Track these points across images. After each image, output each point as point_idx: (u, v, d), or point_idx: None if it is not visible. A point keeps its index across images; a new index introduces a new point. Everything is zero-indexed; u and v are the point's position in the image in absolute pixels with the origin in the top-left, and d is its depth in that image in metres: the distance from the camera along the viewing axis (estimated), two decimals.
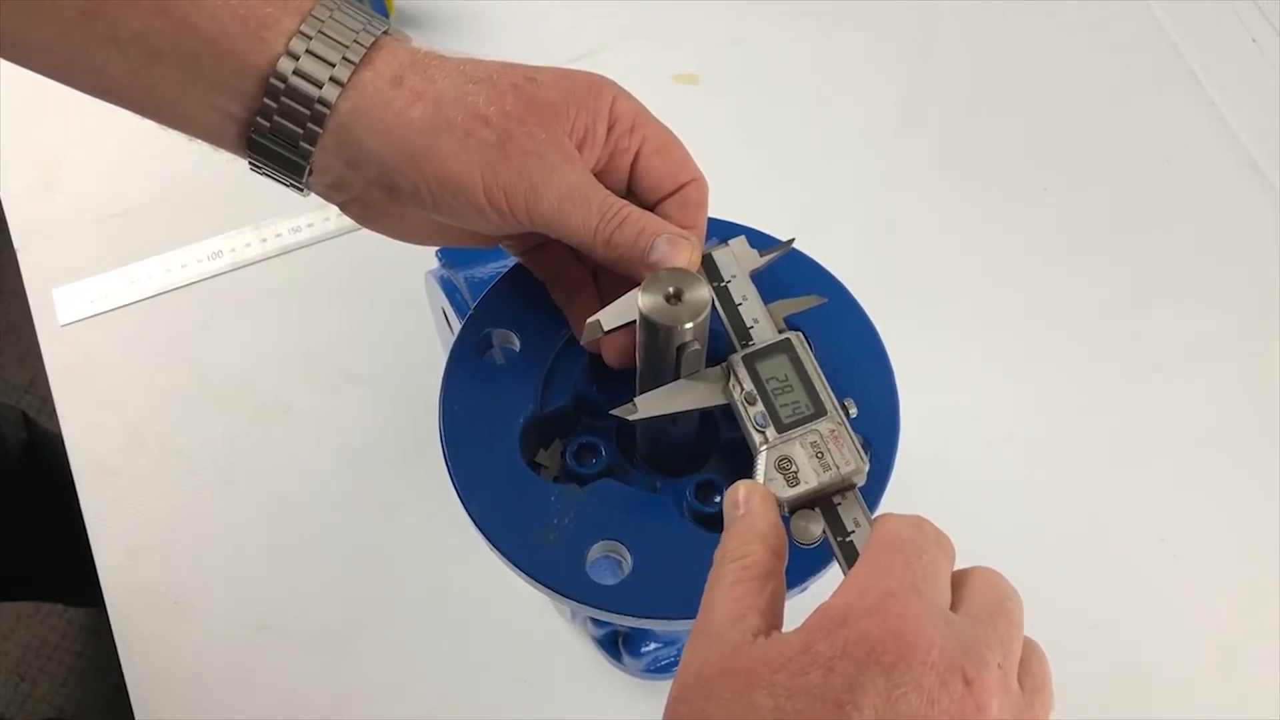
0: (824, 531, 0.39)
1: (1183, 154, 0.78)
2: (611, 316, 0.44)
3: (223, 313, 0.73)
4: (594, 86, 0.46)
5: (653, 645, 0.61)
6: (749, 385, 0.42)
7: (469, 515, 0.46)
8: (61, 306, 0.72)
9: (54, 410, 0.70)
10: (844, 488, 0.40)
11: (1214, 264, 0.74)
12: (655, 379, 0.44)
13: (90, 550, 0.66)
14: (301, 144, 0.44)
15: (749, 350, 0.43)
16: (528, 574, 0.44)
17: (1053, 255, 0.75)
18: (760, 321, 0.44)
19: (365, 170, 0.44)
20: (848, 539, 0.39)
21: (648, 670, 0.62)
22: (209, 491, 0.68)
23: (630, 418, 0.43)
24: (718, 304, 0.44)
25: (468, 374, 0.48)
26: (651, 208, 0.47)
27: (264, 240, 0.74)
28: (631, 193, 0.47)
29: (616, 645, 0.62)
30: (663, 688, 0.63)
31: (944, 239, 0.75)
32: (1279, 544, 0.67)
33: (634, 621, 0.44)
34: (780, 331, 0.44)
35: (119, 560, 0.66)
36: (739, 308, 0.44)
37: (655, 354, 0.43)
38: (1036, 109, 0.80)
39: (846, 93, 0.79)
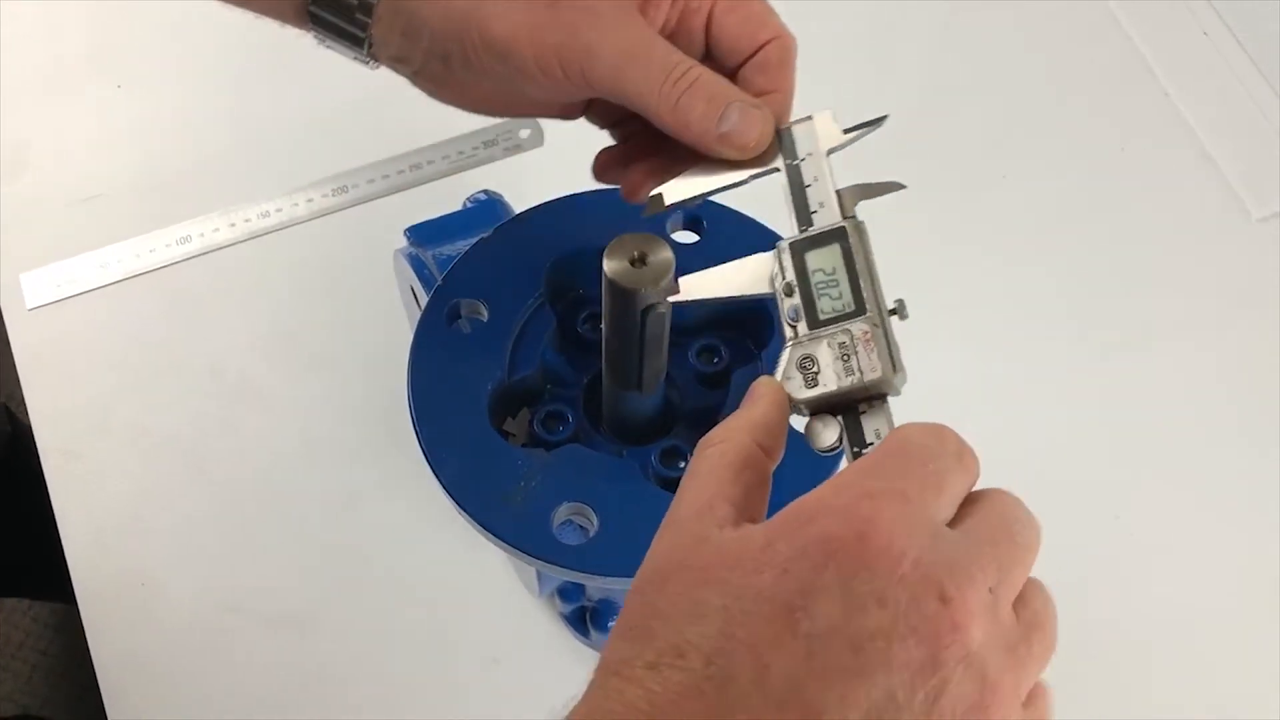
0: (840, 439, 0.36)
1: (1138, 143, 0.79)
2: (676, 191, 0.41)
3: (191, 297, 0.73)
4: None
5: None
6: (790, 275, 0.38)
7: (438, 480, 0.46)
8: (29, 291, 0.72)
9: (23, 398, 0.70)
10: (870, 396, 0.36)
11: (1168, 250, 0.76)
12: (621, 342, 0.45)
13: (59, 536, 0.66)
14: (357, 15, 0.43)
15: (800, 237, 0.39)
16: (496, 536, 0.45)
17: (1011, 241, 0.76)
18: (825, 206, 0.39)
19: (419, 39, 0.42)
20: (864, 450, 0.36)
21: None
22: (177, 474, 0.68)
23: (673, 299, 0.41)
24: (785, 182, 0.40)
25: (436, 343, 0.49)
26: (733, 74, 0.42)
27: (233, 225, 0.74)
28: (711, 58, 0.43)
29: (584, 621, 0.63)
30: None
31: (901, 227, 0.76)
32: (1235, 518, 0.68)
33: (599, 581, 0.45)
34: (846, 218, 0.39)
35: (86, 543, 0.66)
36: (806, 189, 0.40)
37: (620, 317, 0.43)
38: (995, 99, 0.81)
39: (802, 83, 0.81)
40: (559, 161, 0.77)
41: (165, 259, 0.73)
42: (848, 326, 0.37)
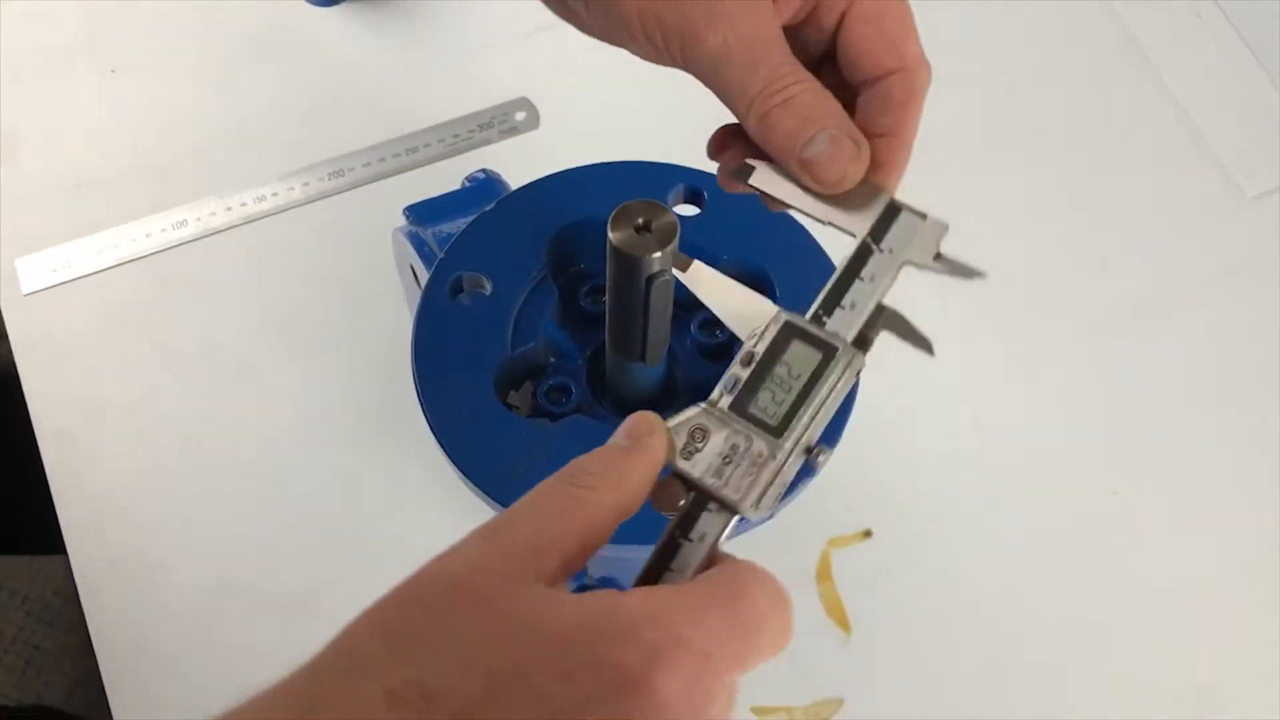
0: (676, 509, 0.34)
1: (1129, 123, 0.80)
2: (766, 179, 0.38)
3: (188, 282, 0.73)
4: None
5: None
6: (762, 348, 0.35)
7: (444, 452, 0.46)
8: (24, 276, 0.72)
9: (20, 383, 0.70)
10: (723, 506, 0.34)
11: (1161, 229, 0.76)
12: (625, 312, 0.45)
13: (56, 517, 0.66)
14: None
15: (802, 322, 0.36)
16: (504, 506, 0.45)
17: (1001, 222, 0.76)
18: (854, 311, 0.36)
19: None
20: (679, 540, 0.34)
21: None
22: (175, 459, 0.68)
23: (678, 273, 0.39)
24: (847, 255, 0.36)
25: (439, 317, 0.49)
26: (854, 92, 0.38)
27: (229, 209, 0.74)
28: (834, 62, 0.39)
29: None
30: None
31: None
32: (1232, 494, 0.68)
33: (603, 550, 0.45)
34: (854, 342, 0.36)
35: (85, 527, 0.66)
36: (856, 280, 0.36)
37: (625, 285, 0.43)
38: (985, 80, 0.81)
39: None
40: (556, 144, 0.78)
41: (161, 243, 0.73)
42: (754, 437, 0.34)
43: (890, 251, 0.36)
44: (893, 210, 0.37)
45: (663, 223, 0.42)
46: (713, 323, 0.51)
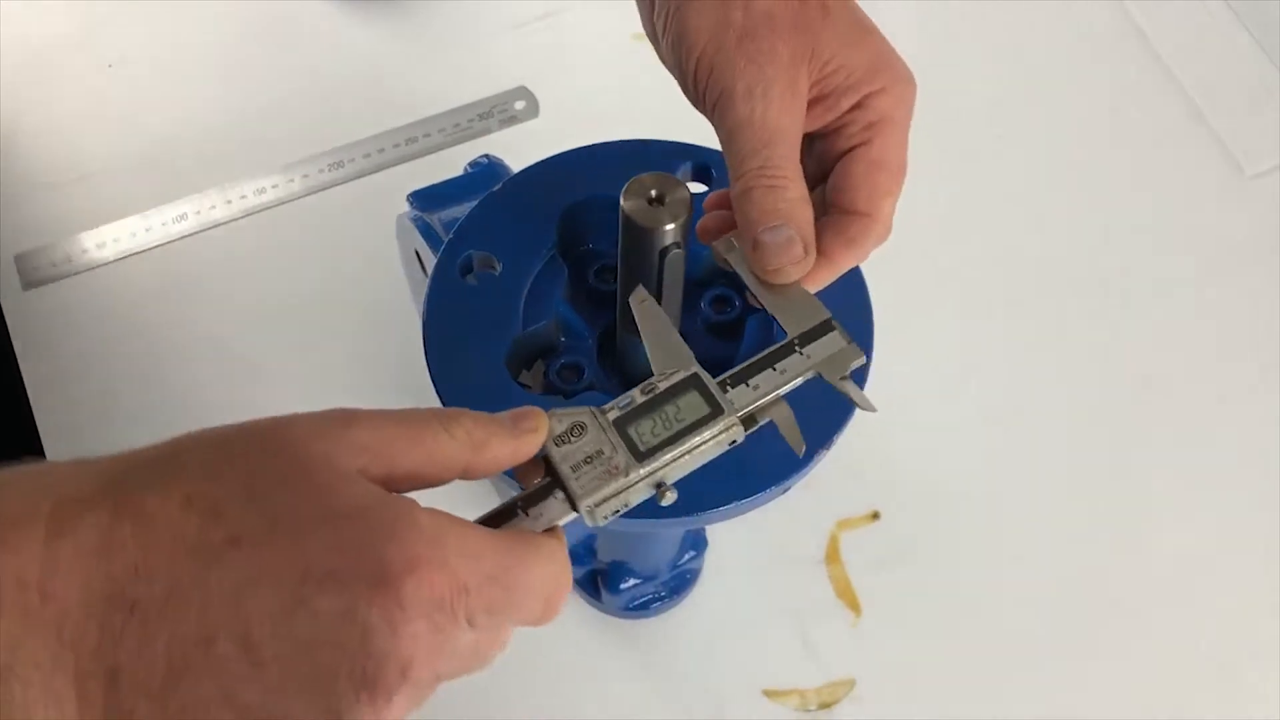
0: (532, 485, 0.37)
1: (1128, 103, 0.80)
2: (735, 258, 0.43)
3: (190, 276, 0.73)
4: (886, 65, 0.42)
5: (632, 581, 0.61)
6: (664, 385, 0.38)
7: None
8: (24, 271, 0.72)
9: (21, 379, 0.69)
10: (566, 495, 0.37)
11: (1161, 209, 0.76)
12: (637, 285, 0.45)
13: None
14: None
15: (707, 380, 0.39)
16: (519, 487, 0.45)
17: (1002, 203, 0.77)
18: (755, 390, 0.39)
19: None
20: (520, 511, 0.36)
21: (626, 608, 0.63)
22: None
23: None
24: (770, 349, 0.40)
25: (450, 297, 0.49)
26: (824, 211, 0.43)
27: (229, 202, 0.74)
28: (824, 183, 0.43)
29: (595, 583, 0.62)
30: (642, 626, 0.64)
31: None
32: (1232, 472, 0.69)
33: (619, 526, 0.45)
34: (744, 416, 0.39)
35: None
36: (769, 370, 0.39)
37: (637, 258, 0.43)
38: (983, 62, 0.82)
39: None
40: (555, 132, 0.77)
41: (162, 237, 0.73)
42: (619, 451, 0.37)
43: (808, 357, 0.40)
44: (826, 327, 0.41)
45: (676, 196, 0.42)
46: (724, 299, 0.51)
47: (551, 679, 0.62)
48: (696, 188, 0.52)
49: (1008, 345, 0.72)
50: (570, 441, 0.37)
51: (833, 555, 0.66)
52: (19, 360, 0.70)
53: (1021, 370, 0.71)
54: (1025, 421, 0.70)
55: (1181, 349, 0.72)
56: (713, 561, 0.65)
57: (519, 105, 0.78)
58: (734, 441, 0.39)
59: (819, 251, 0.42)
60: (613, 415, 0.38)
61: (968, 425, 0.70)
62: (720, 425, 0.38)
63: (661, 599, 0.63)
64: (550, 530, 0.36)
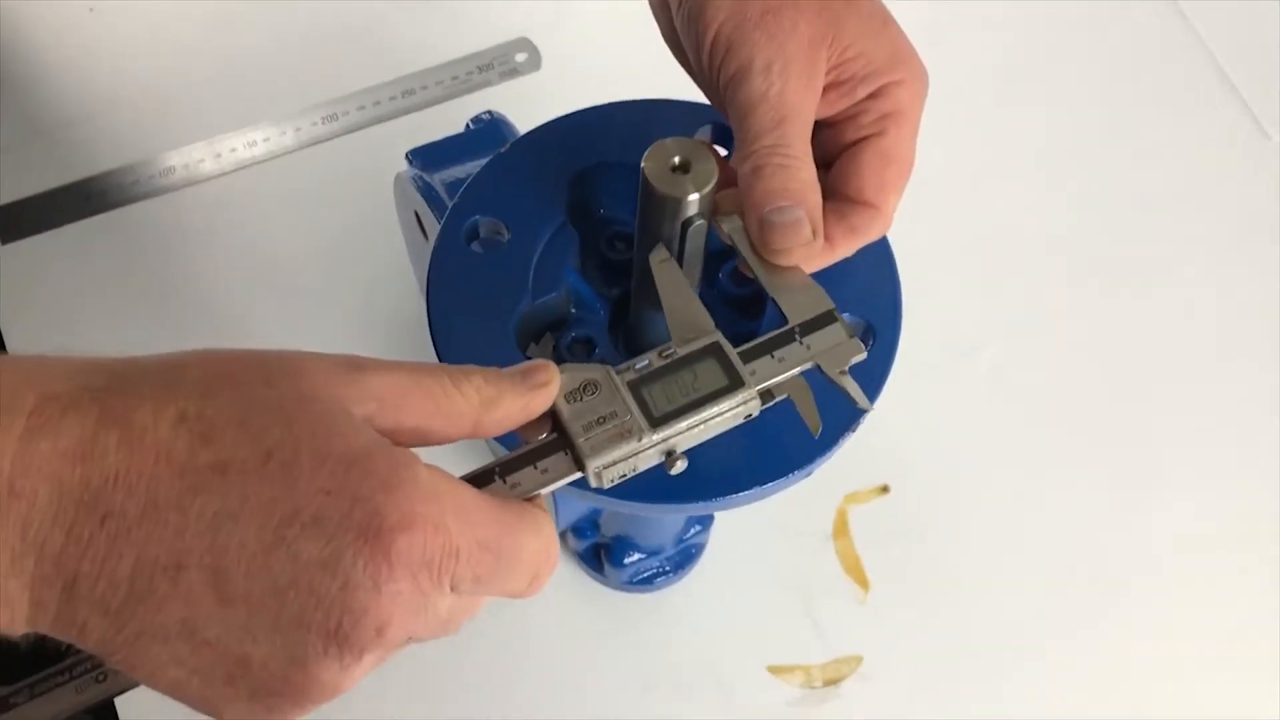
0: (537, 440, 0.36)
1: (1153, 66, 0.78)
2: (736, 234, 0.41)
3: (178, 231, 0.70)
4: (904, 57, 0.41)
5: (635, 556, 0.60)
6: (683, 351, 0.37)
7: None
8: (5, 224, 0.69)
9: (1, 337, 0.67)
10: (573, 455, 0.35)
11: (1185, 174, 0.74)
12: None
13: None
14: None
15: (727, 349, 0.37)
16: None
17: (1022, 165, 0.75)
18: (780, 363, 0.38)
19: None
20: (524, 465, 0.35)
21: (629, 582, 0.61)
22: None
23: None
24: (769, 334, 0.38)
25: (455, 266, 0.46)
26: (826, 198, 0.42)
27: (218, 155, 0.71)
28: (829, 168, 0.42)
29: (598, 557, 0.61)
30: (645, 601, 0.63)
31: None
32: (1252, 450, 0.67)
33: (627, 507, 0.43)
34: (761, 394, 0.38)
35: None
36: (763, 356, 0.38)
37: (657, 228, 0.41)
38: (1004, 22, 0.79)
39: None
40: (558, 85, 0.75)
41: (148, 190, 0.70)
42: (632, 413, 0.36)
43: (808, 348, 0.39)
44: (829, 318, 0.39)
45: (702, 165, 0.39)
46: (742, 272, 0.49)
47: (552, 653, 0.61)
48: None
49: (1023, 317, 0.70)
50: (581, 400, 0.36)
51: (841, 530, 0.65)
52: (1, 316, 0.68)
53: (1036, 342, 0.70)
54: (1039, 395, 0.68)
55: (1205, 321, 0.70)
56: (718, 536, 0.63)
57: (520, 57, 0.75)
58: (749, 415, 0.37)
59: (826, 233, 0.41)
60: (628, 376, 0.36)
61: (981, 398, 0.68)
62: (739, 398, 0.37)
63: (665, 574, 0.61)
64: (533, 500, 0.35)
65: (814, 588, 0.63)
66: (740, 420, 0.37)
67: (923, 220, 0.72)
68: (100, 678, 0.33)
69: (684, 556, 0.62)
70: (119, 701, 0.58)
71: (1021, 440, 0.67)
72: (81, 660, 0.33)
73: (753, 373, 0.37)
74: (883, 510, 0.65)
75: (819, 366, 0.38)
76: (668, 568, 0.61)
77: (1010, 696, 0.61)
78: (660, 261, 0.41)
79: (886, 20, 0.42)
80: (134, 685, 0.32)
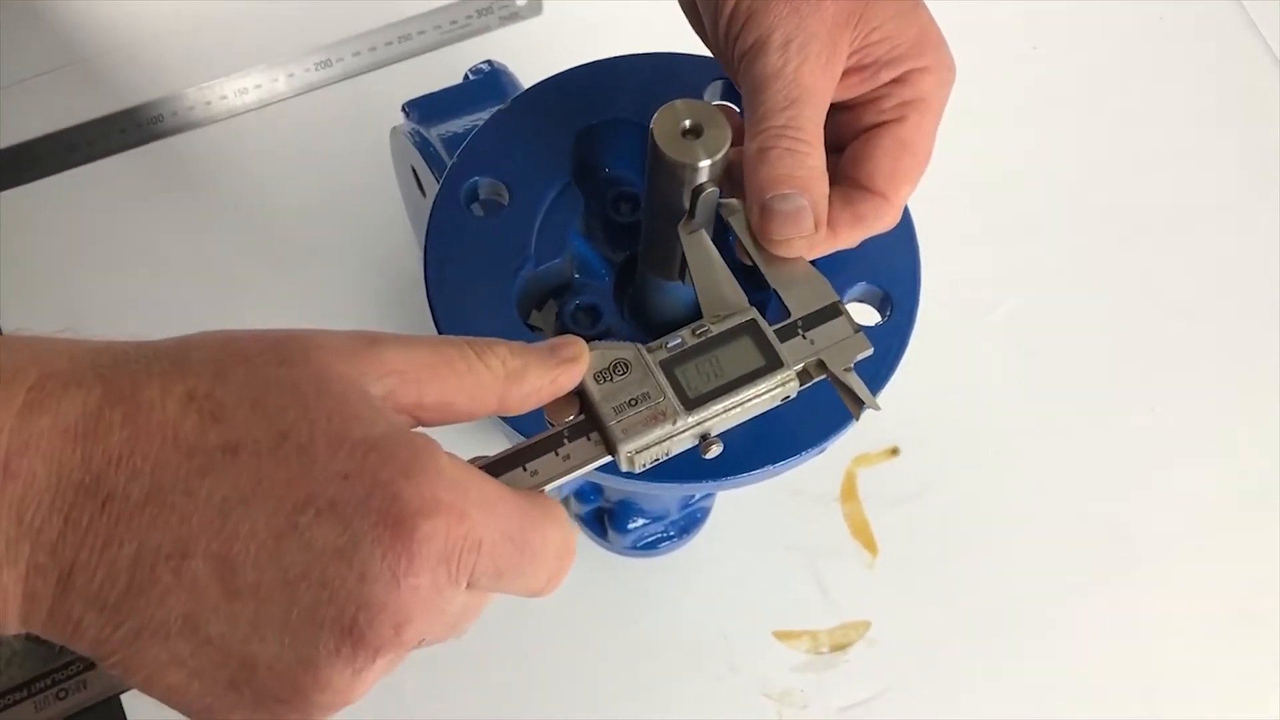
0: (564, 423, 0.34)
1: (1177, 11, 0.75)
2: (738, 222, 0.40)
3: (168, 181, 0.68)
4: (933, 44, 0.39)
5: (640, 521, 0.58)
6: (718, 329, 0.36)
7: None
8: None
9: None
10: (601, 435, 0.34)
11: (1208, 124, 0.72)
12: (663, 226, 0.40)
13: None
14: None
15: (764, 327, 0.36)
16: (522, 435, 0.41)
17: (1042, 116, 0.72)
18: (811, 345, 0.37)
19: None
20: (548, 451, 0.33)
21: (633, 547, 0.60)
22: None
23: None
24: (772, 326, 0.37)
25: (454, 230, 0.44)
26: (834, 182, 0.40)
27: (208, 103, 0.69)
28: (835, 155, 0.41)
29: (601, 522, 0.59)
30: (649, 566, 0.61)
31: None
32: (1272, 412, 0.66)
33: (632, 485, 0.42)
34: (800, 373, 0.36)
35: None
36: (772, 342, 0.36)
37: (665, 194, 0.39)
38: None
39: None
40: (560, 31, 0.72)
41: (137, 139, 0.68)
42: (667, 395, 0.34)
43: (811, 343, 0.37)
44: (833, 311, 0.38)
45: (715, 130, 0.37)
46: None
47: (555, 619, 0.60)
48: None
49: (1037, 274, 0.68)
50: (611, 380, 0.34)
51: (849, 493, 0.64)
52: None
53: (1050, 299, 0.68)
54: (1052, 353, 0.67)
55: (1224, 282, 0.69)
56: (723, 500, 0.62)
57: (521, 1, 0.72)
58: (787, 397, 0.36)
59: (828, 222, 0.39)
60: (659, 356, 0.35)
61: (993, 357, 0.67)
62: (778, 379, 0.35)
63: (670, 538, 0.60)
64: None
65: (821, 552, 0.62)
66: (778, 402, 0.36)
67: (935, 174, 0.70)
68: (61, 695, 0.31)
69: (689, 521, 0.60)
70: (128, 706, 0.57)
71: (1035, 401, 0.65)
72: (40, 676, 0.31)
73: (789, 354, 0.36)
74: (892, 473, 0.64)
75: (823, 363, 0.37)
76: (672, 533, 0.60)
77: (1020, 662, 0.60)
78: (691, 233, 0.39)
79: (917, 4, 0.40)
80: (99, 699, 0.30)
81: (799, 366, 0.36)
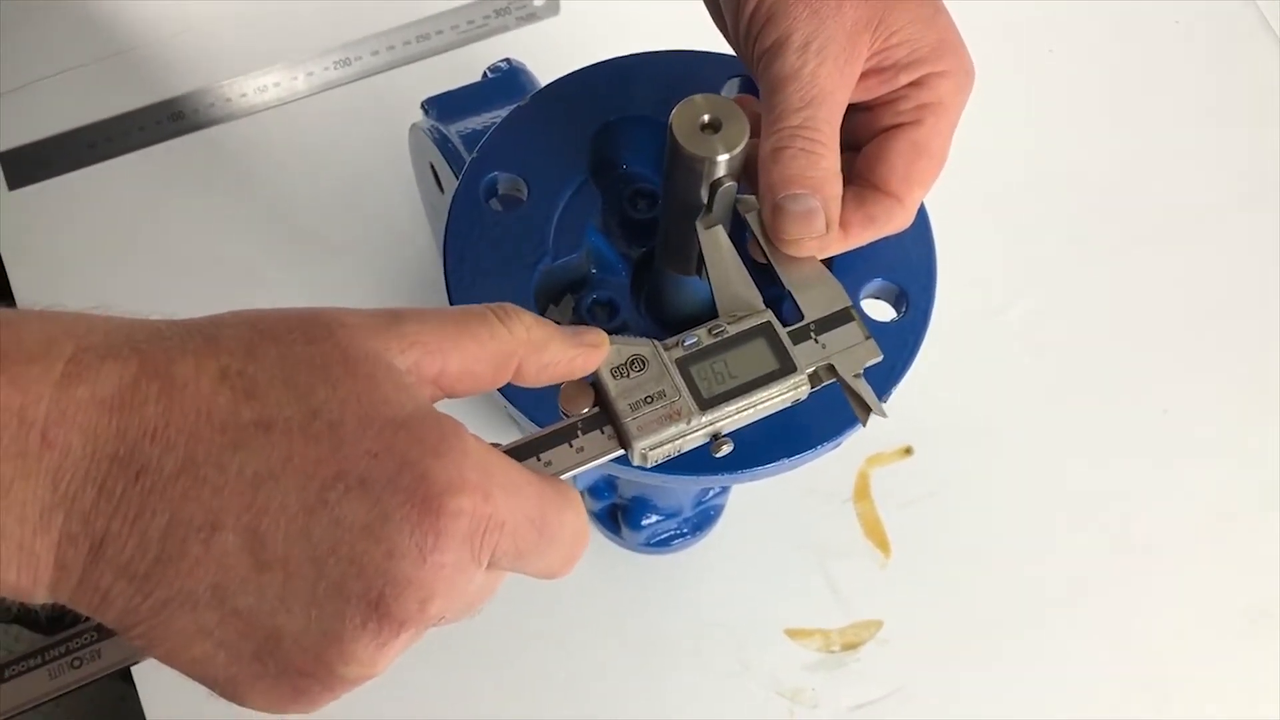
0: (578, 414, 0.35)
1: (1192, 13, 0.75)
2: (754, 222, 0.40)
3: (186, 179, 0.68)
4: (952, 48, 0.40)
5: (653, 518, 0.59)
6: (734, 330, 0.37)
7: None
8: (9, 171, 0.67)
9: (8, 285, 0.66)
10: (617, 432, 0.35)
11: (1223, 125, 0.72)
12: (681, 221, 0.41)
13: None
14: None
15: (779, 331, 0.37)
16: (539, 425, 0.41)
17: (1057, 118, 0.72)
18: (823, 350, 0.37)
19: None
20: (563, 441, 0.34)
21: (646, 544, 0.60)
22: None
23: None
24: (787, 328, 0.37)
25: (473, 224, 0.45)
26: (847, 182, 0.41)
27: (228, 100, 0.69)
28: (857, 151, 0.41)
29: (615, 519, 0.60)
30: (662, 563, 0.62)
31: None
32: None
33: (647, 478, 0.42)
34: (810, 376, 0.37)
35: None
36: (785, 344, 0.37)
37: (683, 189, 0.39)
38: None
39: None
40: (576, 31, 0.72)
41: (156, 136, 0.68)
42: (682, 394, 0.35)
43: (823, 347, 0.38)
44: (845, 316, 0.38)
45: (733, 125, 0.37)
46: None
47: (567, 615, 0.60)
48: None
49: (1053, 273, 0.68)
50: (628, 376, 0.35)
51: (862, 492, 0.64)
52: (5, 264, 0.66)
53: (1064, 300, 0.68)
54: (1066, 354, 0.67)
55: (1238, 281, 0.68)
56: (736, 498, 0.62)
57: (538, 1, 0.72)
58: (798, 400, 0.37)
59: (839, 222, 0.40)
60: (676, 354, 0.36)
61: (1006, 358, 0.67)
62: (790, 382, 0.36)
63: (683, 535, 0.60)
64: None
65: (834, 551, 0.62)
66: (789, 404, 0.37)
67: (950, 174, 0.70)
68: (75, 664, 0.31)
69: (702, 519, 0.61)
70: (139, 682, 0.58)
71: (1050, 401, 0.65)
72: (54, 643, 0.31)
73: (801, 358, 0.37)
74: (905, 473, 0.64)
75: (833, 368, 0.37)
76: (685, 530, 0.60)
77: (1032, 663, 0.60)
78: (708, 228, 0.39)
79: (938, 9, 0.40)
80: (113, 668, 0.31)
81: (810, 370, 0.37)
